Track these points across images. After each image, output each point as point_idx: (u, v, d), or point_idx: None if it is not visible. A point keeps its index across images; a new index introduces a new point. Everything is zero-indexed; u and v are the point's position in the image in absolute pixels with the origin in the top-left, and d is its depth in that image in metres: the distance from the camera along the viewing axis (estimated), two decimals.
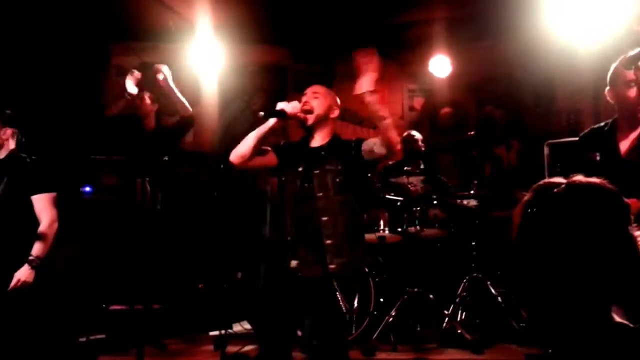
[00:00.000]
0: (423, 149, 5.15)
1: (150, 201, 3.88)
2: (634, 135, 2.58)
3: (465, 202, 4.56)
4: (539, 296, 1.09)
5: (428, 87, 6.56)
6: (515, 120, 5.74)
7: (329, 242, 2.62)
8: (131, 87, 4.00)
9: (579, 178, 1.11)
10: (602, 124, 2.74)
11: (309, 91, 2.81)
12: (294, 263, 2.67)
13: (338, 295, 2.66)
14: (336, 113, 2.82)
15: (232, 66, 5.24)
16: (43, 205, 3.06)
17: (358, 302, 2.78)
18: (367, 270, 4.02)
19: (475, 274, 4.22)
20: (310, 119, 2.74)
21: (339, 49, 5.92)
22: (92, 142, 4.42)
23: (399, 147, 2.68)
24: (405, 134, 5.41)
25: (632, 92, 2.53)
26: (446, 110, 6.43)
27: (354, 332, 3.88)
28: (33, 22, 4.38)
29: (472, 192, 4.48)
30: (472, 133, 4.78)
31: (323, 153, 2.74)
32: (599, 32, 4.17)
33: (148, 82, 4.08)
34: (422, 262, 4.38)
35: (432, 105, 6.57)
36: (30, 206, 3.06)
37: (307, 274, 2.65)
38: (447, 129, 6.38)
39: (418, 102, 6.72)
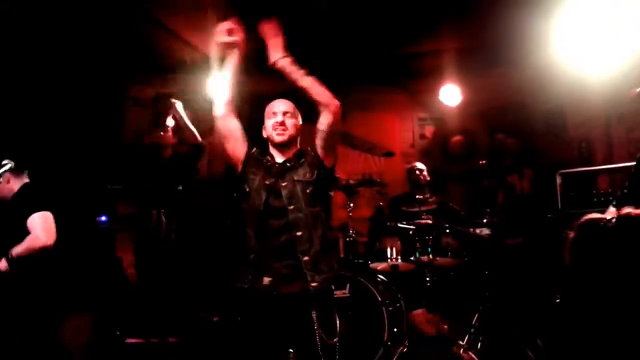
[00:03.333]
0: (428, 178, 5.16)
1: (165, 231, 3.92)
2: None
3: (477, 230, 4.55)
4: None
5: (438, 116, 6.60)
6: (526, 148, 5.74)
7: (305, 258, 2.43)
8: (172, 120, 4.14)
9: (629, 210, 1.10)
10: None
11: (279, 109, 2.65)
12: (266, 280, 2.44)
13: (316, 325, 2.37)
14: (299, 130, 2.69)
15: (245, 96, 5.32)
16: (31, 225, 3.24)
17: (341, 328, 2.45)
18: (379, 299, 3.99)
19: (489, 303, 4.18)
20: (284, 139, 2.61)
21: (350, 78, 6.00)
22: (109, 171, 4.49)
23: (335, 100, 2.53)
24: (409, 165, 5.45)
25: None
26: (457, 138, 6.45)
27: None
28: (54, 54, 4.50)
29: (485, 220, 4.47)
30: (484, 162, 4.80)
31: (289, 164, 2.59)
32: (609, 60, 4.20)
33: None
34: (435, 291, 4.35)
35: (443, 133, 6.60)
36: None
37: (284, 291, 2.42)
38: (457, 156, 6.39)
39: (429, 130, 6.76)
